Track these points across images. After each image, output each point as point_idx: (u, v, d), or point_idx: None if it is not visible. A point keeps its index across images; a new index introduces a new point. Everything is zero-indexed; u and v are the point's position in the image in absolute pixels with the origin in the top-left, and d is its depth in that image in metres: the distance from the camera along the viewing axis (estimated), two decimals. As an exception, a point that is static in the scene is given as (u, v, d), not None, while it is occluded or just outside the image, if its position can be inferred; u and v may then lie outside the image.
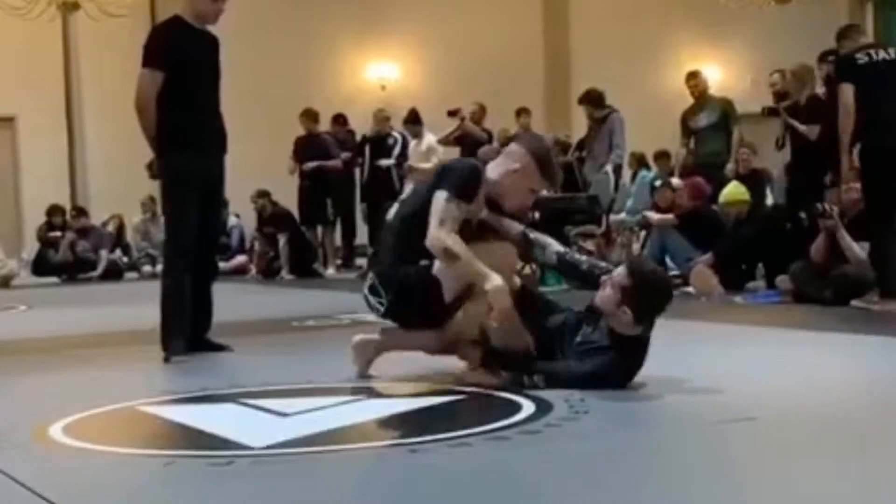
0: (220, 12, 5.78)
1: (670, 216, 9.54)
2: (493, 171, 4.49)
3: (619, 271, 4.23)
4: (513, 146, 4.61)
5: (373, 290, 4.48)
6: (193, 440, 3.66)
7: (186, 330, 5.70)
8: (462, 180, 4.34)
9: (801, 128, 9.49)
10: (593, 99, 11.40)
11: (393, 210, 4.73)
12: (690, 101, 11.24)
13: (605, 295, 4.21)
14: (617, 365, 4.18)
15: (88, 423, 3.98)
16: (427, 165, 12.32)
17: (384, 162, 12.73)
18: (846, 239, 7.39)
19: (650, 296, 4.17)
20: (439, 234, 4.24)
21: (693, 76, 11.09)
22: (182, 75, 5.63)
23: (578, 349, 4.26)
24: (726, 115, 10.76)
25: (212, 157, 5.81)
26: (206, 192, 5.76)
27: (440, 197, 4.29)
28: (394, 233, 4.55)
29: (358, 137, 13.60)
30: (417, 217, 4.36)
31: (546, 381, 4.18)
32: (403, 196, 4.62)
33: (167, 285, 5.73)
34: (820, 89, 9.42)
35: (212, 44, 5.85)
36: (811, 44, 11.64)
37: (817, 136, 9.03)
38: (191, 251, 5.69)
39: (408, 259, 4.38)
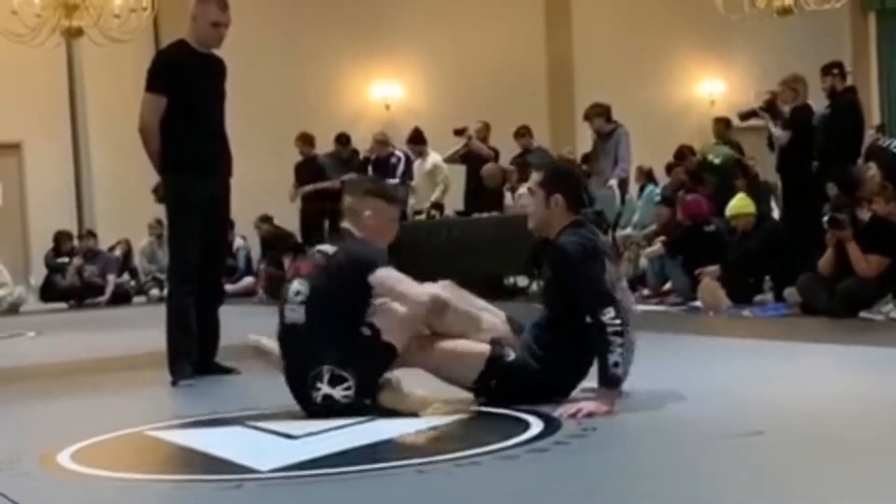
0: (222, 37, 5.79)
1: (657, 246, 9.59)
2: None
3: (531, 179, 4.53)
4: None
5: (334, 380, 4.22)
6: (201, 464, 3.66)
7: (193, 353, 5.69)
8: (374, 255, 4.45)
9: (775, 131, 9.53)
10: (600, 113, 11.39)
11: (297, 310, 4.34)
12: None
13: (533, 208, 4.45)
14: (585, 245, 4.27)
15: (96, 449, 3.98)
16: (435, 194, 12.28)
17: (387, 181, 12.73)
18: (856, 251, 7.35)
19: (567, 173, 4.71)
20: (422, 289, 4.35)
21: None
22: (185, 99, 5.65)
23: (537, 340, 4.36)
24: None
25: (217, 180, 5.81)
26: (212, 215, 5.76)
27: (381, 273, 4.34)
28: (317, 325, 4.28)
29: (362, 157, 13.61)
30: (326, 307, 4.29)
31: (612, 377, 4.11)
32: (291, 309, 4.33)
33: (172, 309, 5.73)
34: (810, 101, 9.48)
35: (217, 67, 5.87)
36: (814, 55, 11.67)
37: (787, 141, 9.16)
38: (195, 274, 5.68)
39: (348, 336, 4.28)
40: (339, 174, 13.16)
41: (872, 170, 8.32)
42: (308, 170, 13.11)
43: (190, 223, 5.69)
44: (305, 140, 13.23)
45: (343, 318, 4.30)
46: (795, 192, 9.48)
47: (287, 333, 4.36)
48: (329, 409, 4.22)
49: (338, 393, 4.22)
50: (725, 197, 9.46)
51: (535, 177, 4.50)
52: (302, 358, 4.28)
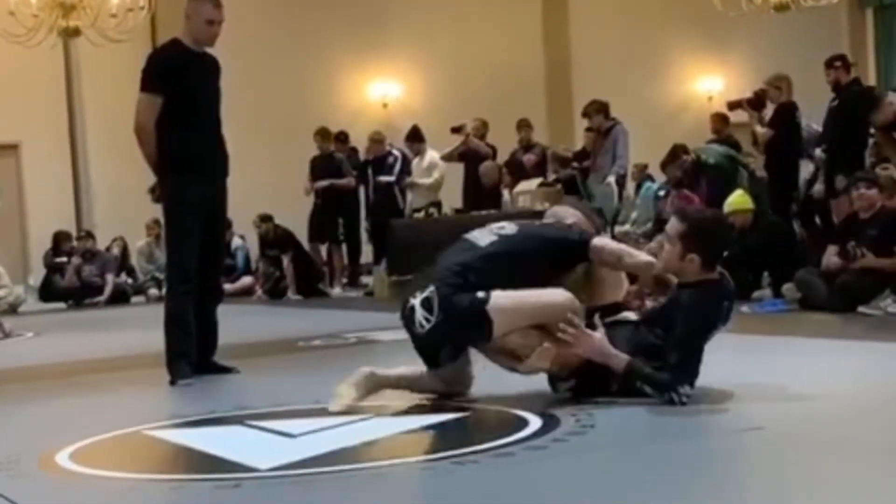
0: (216, 35, 5.76)
1: (658, 238, 9.54)
2: None
3: (671, 224, 4.21)
4: None
5: (426, 304, 4.28)
6: (200, 463, 3.66)
7: (191, 353, 5.69)
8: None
9: (758, 128, 9.60)
10: (599, 110, 11.41)
11: (489, 237, 4.44)
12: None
13: (665, 255, 4.20)
14: (705, 306, 4.15)
15: (95, 449, 3.98)
16: (428, 181, 12.36)
17: (384, 178, 12.75)
18: (876, 262, 7.30)
19: (711, 232, 4.22)
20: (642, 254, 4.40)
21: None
22: (181, 99, 5.63)
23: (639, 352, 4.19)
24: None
25: (213, 180, 5.80)
26: (209, 215, 5.75)
27: (598, 241, 4.40)
28: (479, 259, 4.34)
29: (361, 156, 13.63)
30: (512, 260, 4.32)
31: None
32: (506, 229, 4.42)
33: (170, 310, 5.73)
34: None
35: (212, 66, 5.85)
36: (812, 51, 11.68)
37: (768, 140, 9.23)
38: (193, 275, 5.68)
39: (474, 286, 4.25)
40: (351, 172, 13.21)
41: (892, 99, 8.34)
42: (325, 165, 13.13)
43: (188, 224, 5.68)
44: (325, 135, 13.25)
45: (493, 268, 4.28)
46: (780, 189, 9.58)
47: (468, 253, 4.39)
48: (407, 321, 4.35)
49: (420, 314, 4.28)
50: (721, 195, 9.47)
51: (677, 226, 4.20)
52: (450, 270, 4.32)
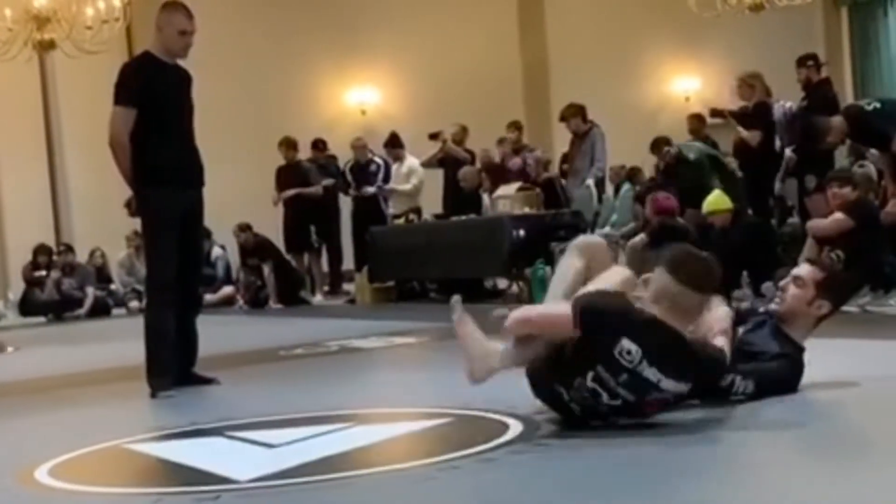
0: (189, 46, 5.74)
1: (643, 236, 9.55)
2: None
3: (807, 270, 4.26)
4: None
5: None
6: (180, 476, 3.64)
7: (172, 365, 5.66)
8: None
9: (744, 133, 9.63)
10: (576, 113, 11.43)
11: None
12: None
13: (794, 295, 4.22)
14: (788, 372, 4.16)
15: (75, 463, 3.95)
16: (406, 187, 12.36)
17: (368, 190, 12.73)
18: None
19: (844, 285, 4.67)
20: None
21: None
22: (154, 111, 5.61)
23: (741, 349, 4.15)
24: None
25: (189, 191, 5.77)
26: (185, 226, 5.73)
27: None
28: None
29: (340, 162, 13.62)
30: None
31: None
32: None
33: (150, 322, 5.70)
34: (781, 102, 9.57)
35: (184, 78, 5.82)
36: (787, 51, 11.71)
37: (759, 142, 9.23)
38: (172, 286, 5.66)
39: None
40: (319, 179, 13.19)
41: (838, 120, 8.15)
42: (291, 175, 13.10)
43: (165, 235, 5.65)
44: (289, 145, 13.21)
45: None
46: (756, 188, 9.63)
47: None
48: None
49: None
50: (698, 193, 9.53)
51: (815, 274, 4.24)
52: None
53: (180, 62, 5.83)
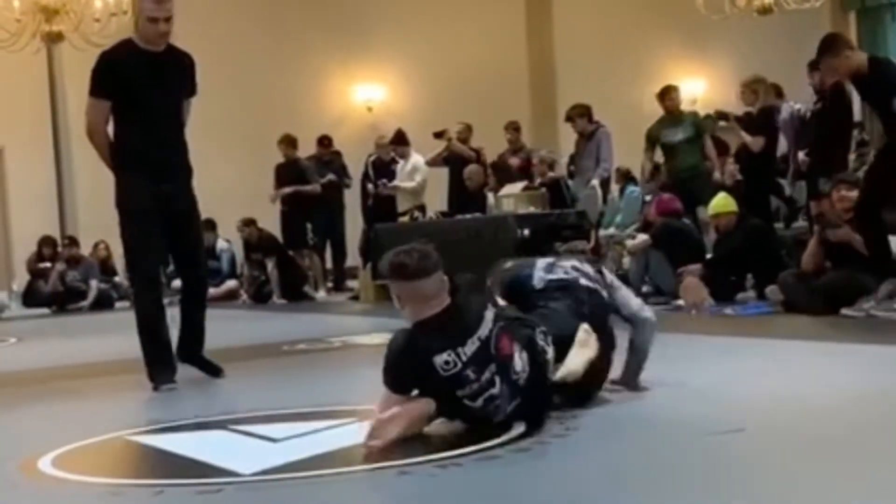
0: (163, 32, 5.57)
1: (645, 237, 9.54)
2: None
3: None
4: None
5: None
6: (183, 468, 3.64)
7: (169, 357, 5.65)
8: None
9: (747, 138, 9.64)
10: (582, 114, 11.43)
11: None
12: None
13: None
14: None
15: (78, 454, 3.96)
16: (410, 185, 12.34)
17: (384, 190, 12.67)
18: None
19: None
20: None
21: (670, 91, 10.59)
22: (123, 99, 5.54)
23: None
24: (698, 128, 10.51)
25: (167, 180, 5.63)
26: (172, 217, 5.63)
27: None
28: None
29: (345, 159, 13.63)
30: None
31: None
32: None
33: (138, 316, 5.66)
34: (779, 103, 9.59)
35: (165, 64, 5.64)
36: (795, 54, 11.71)
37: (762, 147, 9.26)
38: (156, 277, 5.66)
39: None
40: (319, 177, 13.21)
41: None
42: (289, 172, 13.11)
43: (140, 225, 5.57)
44: (289, 142, 13.22)
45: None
46: (757, 192, 9.65)
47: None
48: None
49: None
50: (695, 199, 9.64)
51: None
52: None
53: (184, 48, 5.78)
